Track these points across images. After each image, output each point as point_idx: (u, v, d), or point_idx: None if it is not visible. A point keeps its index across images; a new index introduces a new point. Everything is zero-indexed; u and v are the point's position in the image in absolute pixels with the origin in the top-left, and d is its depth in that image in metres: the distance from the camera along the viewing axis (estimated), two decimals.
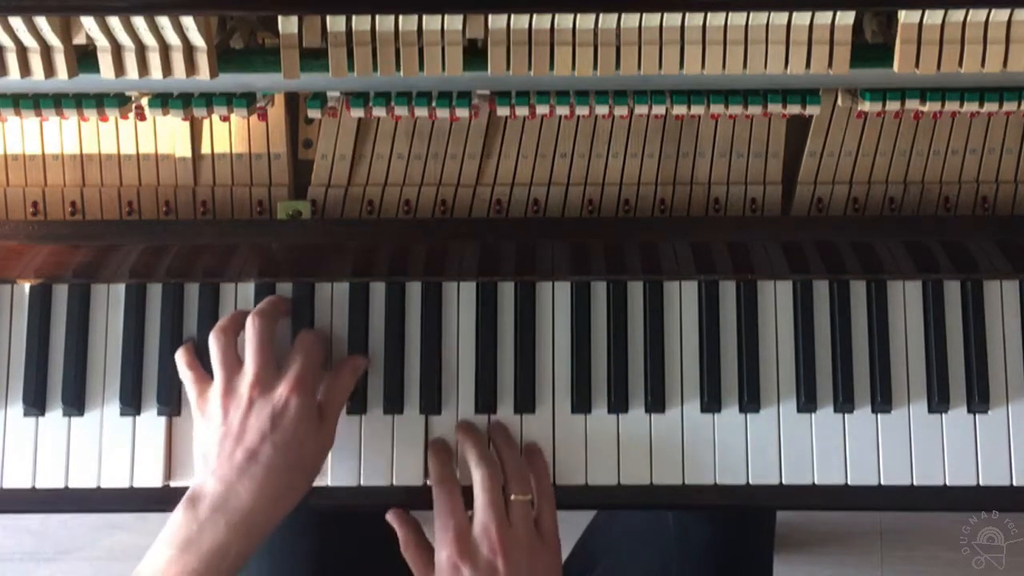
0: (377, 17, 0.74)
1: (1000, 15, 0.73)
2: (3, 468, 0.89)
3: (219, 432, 0.81)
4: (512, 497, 0.84)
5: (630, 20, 0.74)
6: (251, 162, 0.91)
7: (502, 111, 0.83)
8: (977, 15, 0.73)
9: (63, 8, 0.71)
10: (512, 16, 0.74)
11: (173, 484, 0.89)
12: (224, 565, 0.76)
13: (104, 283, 0.91)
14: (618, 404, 0.89)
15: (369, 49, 0.75)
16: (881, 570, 1.67)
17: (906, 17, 0.73)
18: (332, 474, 0.89)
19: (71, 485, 0.89)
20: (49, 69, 0.76)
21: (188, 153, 0.91)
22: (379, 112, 0.83)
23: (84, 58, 0.76)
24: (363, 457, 0.89)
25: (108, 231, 0.86)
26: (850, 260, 0.89)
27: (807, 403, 0.89)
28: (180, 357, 0.87)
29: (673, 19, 0.74)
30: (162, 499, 0.88)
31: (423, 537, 0.88)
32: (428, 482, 0.87)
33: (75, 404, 0.89)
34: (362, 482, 0.89)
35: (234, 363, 0.84)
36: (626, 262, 0.90)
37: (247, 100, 0.82)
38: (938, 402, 0.89)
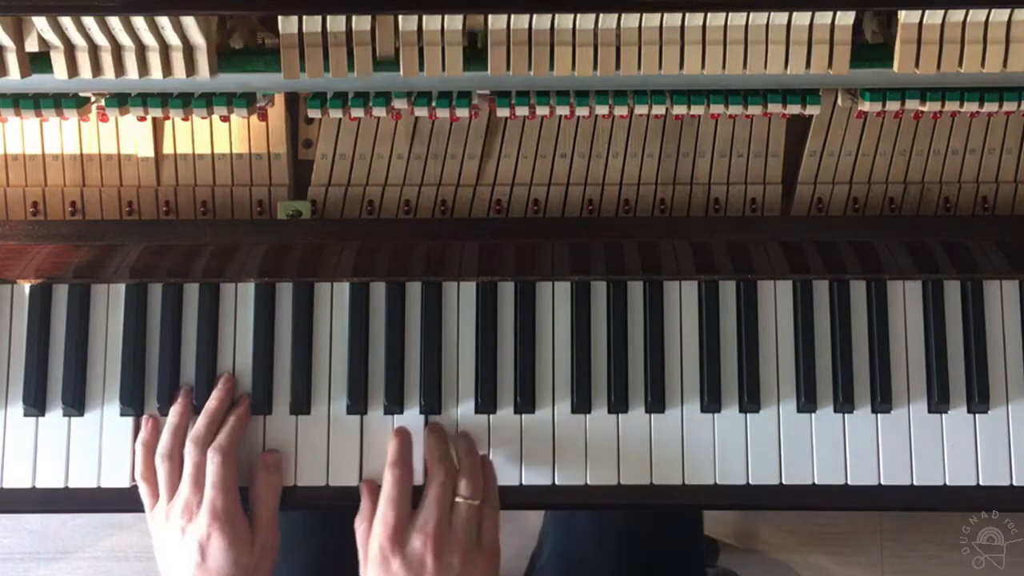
0: (377, 17, 0.74)
1: (1000, 15, 0.73)
2: (3, 468, 0.89)
3: (167, 553, 0.84)
4: (459, 499, 0.84)
5: (630, 20, 0.74)
6: (251, 162, 0.91)
7: (502, 111, 0.83)
8: (977, 15, 0.73)
9: (64, 8, 0.71)
10: (512, 16, 0.74)
11: None
12: None
13: (104, 283, 0.91)
14: (618, 404, 0.89)
15: (369, 49, 0.75)
16: (881, 570, 1.67)
17: (906, 17, 0.73)
18: (332, 474, 0.89)
19: (71, 485, 0.89)
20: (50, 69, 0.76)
21: (188, 153, 0.91)
22: (379, 112, 0.83)
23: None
24: (364, 457, 0.89)
25: (108, 231, 0.86)
26: (850, 260, 0.89)
27: (807, 403, 0.89)
28: (139, 457, 0.88)
29: (673, 19, 0.74)
30: None
31: None
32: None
33: (75, 404, 0.89)
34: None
35: (174, 488, 0.85)
36: (626, 262, 0.90)
37: (247, 100, 0.82)
38: (938, 402, 0.89)
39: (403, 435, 0.88)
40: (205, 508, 0.83)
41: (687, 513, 1.11)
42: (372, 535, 0.83)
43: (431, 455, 0.86)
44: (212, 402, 0.88)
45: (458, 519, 0.83)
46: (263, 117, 0.90)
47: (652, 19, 0.74)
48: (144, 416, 0.89)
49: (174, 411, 0.88)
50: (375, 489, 0.87)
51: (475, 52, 0.76)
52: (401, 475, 0.85)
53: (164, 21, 0.73)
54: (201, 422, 0.87)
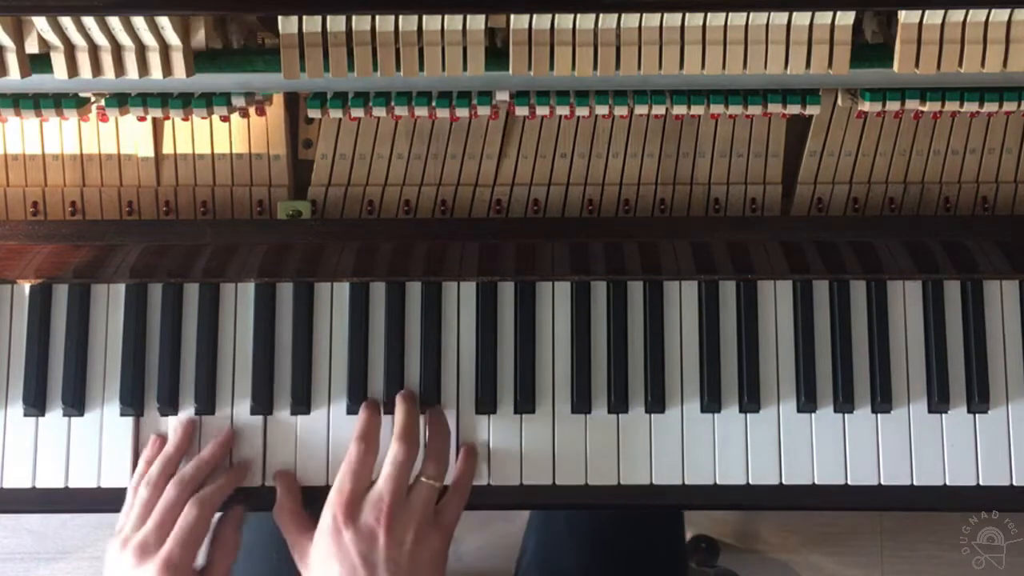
0: (377, 17, 0.74)
1: (1000, 15, 0.73)
2: (3, 468, 0.89)
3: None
4: (421, 479, 0.85)
5: (630, 20, 0.74)
6: (251, 162, 0.91)
7: (502, 111, 0.83)
8: (977, 15, 0.73)
9: (62, 8, 0.71)
10: (512, 16, 0.74)
11: None
12: None
13: (104, 283, 0.91)
14: (618, 404, 0.89)
15: (369, 49, 0.75)
16: (881, 570, 1.67)
17: (906, 17, 0.73)
18: (332, 475, 0.89)
19: (71, 485, 0.89)
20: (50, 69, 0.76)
21: (188, 153, 0.91)
22: (379, 112, 0.83)
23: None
24: None
25: (108, 231, 0.86)
26: (850, 260, 0.89)
27: (807, 403, 0.89)
28: (139, 470, 0.87)
29: (673, 19, 0.74)
30: None
31: (300, 504, 0.87)
32: None
33: (75, 404, 0.89)
34: None
35: (144, 518, 0.83)
36: (626, 262, 0.90)
37: (226, 99, 0.82)
38: (938, 402, 0.89)
39: (371, 409, 0.88)
40: (160, 557, 0.81)
41: (666, 509, 1.11)
42: (326, 505, 0.83)
43: (395, 430, 0.86)
44: (207, 453, 0.87)
45: (416, 498, 0.83)
46: (261, 112, 0.89)
47: (652, 19, 0.73)
48: (153, 437, 0.89)
49: (172, 442, 0.88)
50: (291, 479, 0.88)
51: (475, 53, 0.76)
52: (364, 449, 0.85)
53: (164, 21, 0.73)
54: (191, 467, 0.86)
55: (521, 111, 0.83)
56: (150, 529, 0.82)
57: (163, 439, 0.89)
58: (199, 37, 0.76)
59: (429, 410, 0.89)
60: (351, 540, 0.80)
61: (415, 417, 0.88)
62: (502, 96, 0.82)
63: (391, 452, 0.85)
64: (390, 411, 0.89)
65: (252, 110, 0.88)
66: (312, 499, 0.88)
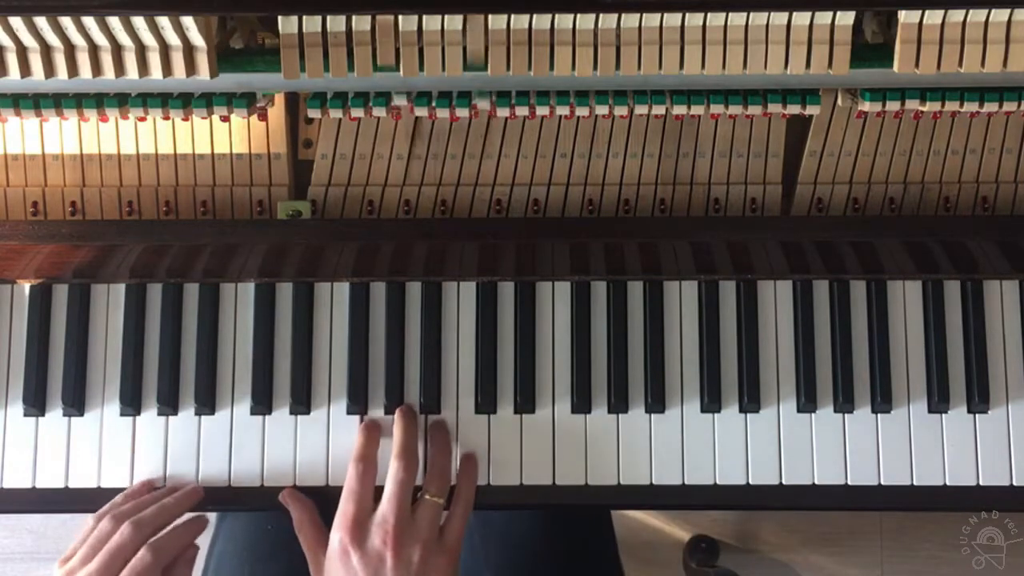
0: (377, 17, 0.74)
1: (1000, 15, 0.73)
2: (3, 468, 0.89)
3: None
4: (425, 496, 0.84)
5: (630, 20, 0.74)
6: (251, 162, 0.91)
7: (502, 111, 0.83)
8: (977, 15, 0.73)
9: (62, 8, 0.71)
10: (512, 16, 0.74)
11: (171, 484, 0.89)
12: None
13: (104, 283, 0.91)
14: (618, 404, 0.89)
15: (369, 49, 0.75)
16: (881, 570, 1.67)
17: (906, 17, 0.73)
18: (332, 475, 0.89)
19: (71, 485, 0.89)
20: (49, 69, 0.76)
21: (188, 153, 0.91)
22: (379, 112, 0.83)
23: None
24: None
25: (108, 231, 0.86)
26: (850, 260, 0.89)
27: (807, 403, 0.89)
28: (117, 496, 0.87)
29: (673, 19, 0.74)
30: None
31: (317, 518, 0.87)
32: None
33: (75, 404, 0.89)
34: None
35: (91, 556, 0.80)
36: (626, 262, 0.90)
37: (247, 100, 0.82)
38: (938, 402, 0.89)
39: (369, 431, 0.88)
40: None
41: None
42: (333, 528, 0.83)
43: (394, 447, 0.86)
44: (171, 500, 0.85)
45: (422, 517, 0.83)
46: (263, 117, 0.90)
47: (652, 19, 0.74)
48: (142, 481, 0.89)
49: (158, 493, 0.86)
50: (299, 494, 0.88)
51: (475, 53, 0.76)
52: (364, 470, 0.85)
53: (164, 21, 0.73)
54: (153, 511, 0.83)
55: (521, 111, 0.83)
56: (94, 569, 0.79)
57: (151, 486, 0.88)
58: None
59: (430, 424, 0.89)
60: (359, 563, 0.80)
61: (413, 433, 0.87)
62: (503, 112, 0.82)
63: (391, 471, 0.84)
64: (391, 412, 0.89)
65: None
66: (311, 498, 0.88)
